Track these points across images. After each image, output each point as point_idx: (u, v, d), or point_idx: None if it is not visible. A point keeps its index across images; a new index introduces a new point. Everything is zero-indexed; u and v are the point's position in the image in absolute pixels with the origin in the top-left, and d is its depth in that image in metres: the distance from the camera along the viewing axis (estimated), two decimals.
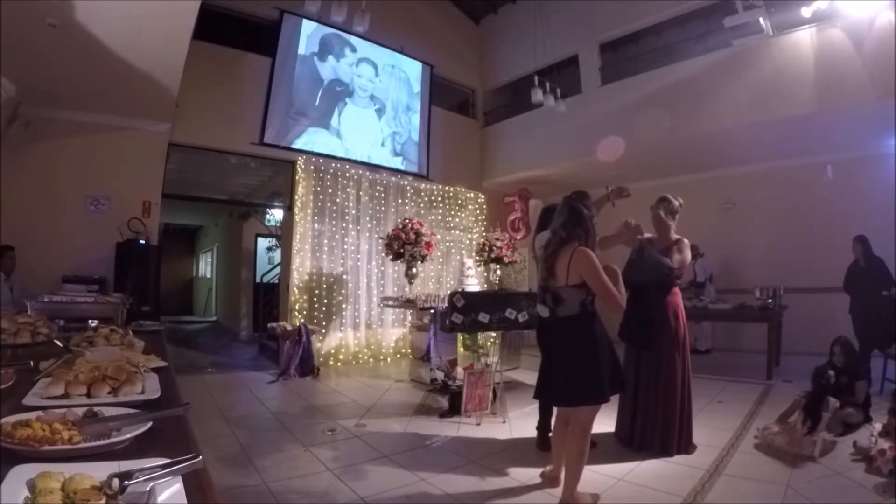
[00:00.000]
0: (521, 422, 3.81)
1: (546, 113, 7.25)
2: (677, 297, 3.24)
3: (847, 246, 5.40)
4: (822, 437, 3.08)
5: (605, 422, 3.19)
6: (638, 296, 3.21)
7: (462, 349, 5.64)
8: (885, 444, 2.75)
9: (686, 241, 3.25)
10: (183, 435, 0.99)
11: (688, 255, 3.23)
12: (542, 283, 2.59)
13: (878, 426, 3.04)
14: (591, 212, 2.58)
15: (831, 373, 3.42)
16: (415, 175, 8.11)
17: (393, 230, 6.08)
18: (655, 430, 3.11)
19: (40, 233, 5.28)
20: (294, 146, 6.88)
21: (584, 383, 2.42)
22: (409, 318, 6.58)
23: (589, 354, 2.41)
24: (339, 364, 6.66)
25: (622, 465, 2.97)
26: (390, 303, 6.51)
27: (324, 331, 6.59)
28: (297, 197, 6.73)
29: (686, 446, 3.12)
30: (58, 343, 1.82)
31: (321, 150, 7.11)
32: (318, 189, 6.88)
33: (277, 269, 8.66)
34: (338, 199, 7.03)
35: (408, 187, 7.87)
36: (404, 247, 5.78)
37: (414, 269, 5.98)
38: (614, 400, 2.56)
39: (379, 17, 6.02)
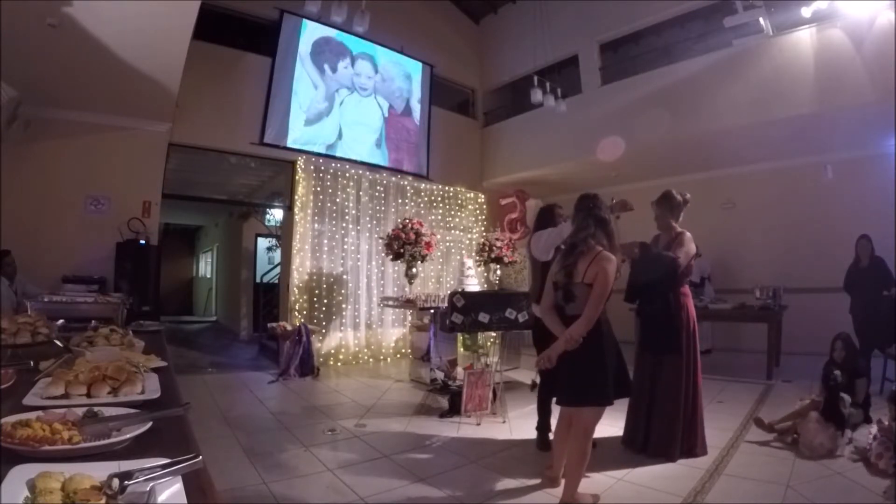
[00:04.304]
0: (521, 422, 3.81)
1: (546, 113, 7.25)
2: (688, 299, 3.23)
3: (847, 246, 5.40)
4: (848, 434, 3.13)
5: (606, 422, 3.18)
6: (649, 297, 3.18)
7: (462, 349, 5.64)
8: (879, 447, 2.76)
9: (688, 234, 3.20)
10: (183, 435, 0.99)
11: (691, 247, 3.16)
12: (552, 279, 2.56)
13: (874, 427, 3.04)
14: (608, 215, 2.57)
15: (837, 372, 3.43)
16: (415, 175, 8.11)
17: (393, 230, 6.08)
18: (665, 435, 3.06)
19: (40, 233, 5.28)
20: (294, 146, 6.88)
21: (589, 384, 2.41)
22: (409, 318, 6.58)
23: (595, 355, 2.39)
24: (339, 364, 6.65)
25: (622, 465, 2.97)
26: (390, 303, 6.51)
27: (324, 331, 6.58)
28: (297, 197, 6.73)
29: (696, 449, 3.08)
30: (58, 343, 1.82)
31: (321, 150, 7.11)
32: (318, 189, 6.88)
33: (277, 269, 8.66)
34: (338, 199, 7.03)
35: (408, 187, 7.87)
36: (404, 247, 5.78)
37: (414, 269, 5.98)
38: (618, 403, 2.55)
39: (379, 17, 6.02)
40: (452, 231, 8.27)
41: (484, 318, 4.23)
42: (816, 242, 6.48)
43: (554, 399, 2.99)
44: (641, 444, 3.17)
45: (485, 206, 8.79)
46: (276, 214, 9.34)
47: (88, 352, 1.57)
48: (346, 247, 7.03)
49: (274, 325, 6.36)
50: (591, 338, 2.38)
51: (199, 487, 0.74)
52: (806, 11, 5.36)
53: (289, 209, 6.99)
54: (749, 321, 5.95)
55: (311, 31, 7.12)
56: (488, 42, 9.47)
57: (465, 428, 3.75)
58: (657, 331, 3.18)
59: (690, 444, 3.08)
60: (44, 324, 2.06)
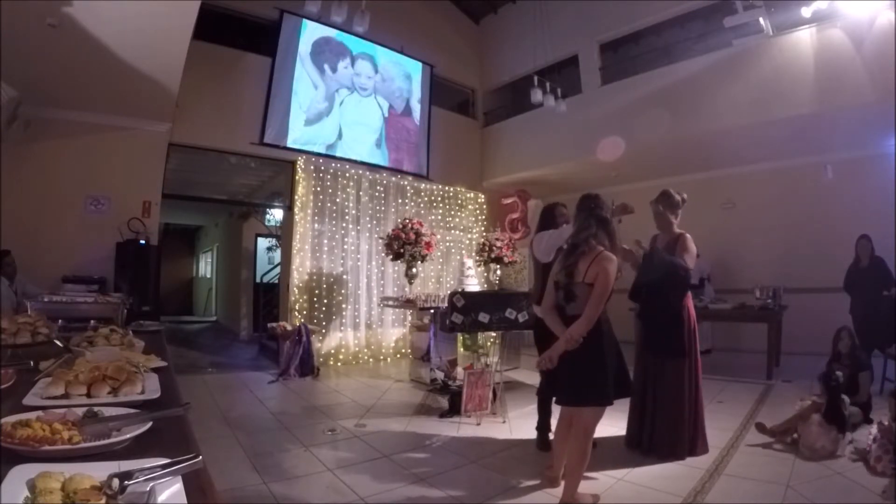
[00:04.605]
0: (521, 422, 3.81)
1: (546, 113, 7.25)
2: (688, 299, 3.23)
3: (847, 246, 5.40)
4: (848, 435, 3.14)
5: (608, 423, 3.18)
6: (654, 301, 3.16)
7: (462, 349, 5.64)
8: (879, 450, 2.76)
9: (688, 235, 3.21)
10: (183, 435, 0.99)
11: (693, 249, 3.17)
12: (554, 279, 2.56)
13: (874, 428, 3.03)
14: (610, 215, 2.57)
15: (838, 374, 3.43)
16: (415, 175, 8.11)
17: (393, 230, 6.08)
18: (671, 436, 3.06)
19: (40, 233, 5.28)
20: (294, 146, 6.88)
21: (589, 384, 2.41)
22: (409, 318, 6.58)
23: (596, 355, 2.39)
24: (339, 364, 6.65)
25: (623, 465, 2.97)
26: (390, 303, 6.51)
27: (324, 331, 6.58)
28: (297, 197, 6.73)
29: (697, 448, 3.09)
30: (58, 343, 1.82)
31: (321, 150, 7.11)
32: (318, 189, 6.89)
33: (277, 269, 8.66)
34: (338, 199, 7.03)
35: (408, 187, 7.87)
36: (404, 247, 5.78)
37: (414, 269, 5.98)
38: (618, 403, 2.55)
39: (379, 17, 6.02)
40: (452, 231, 8.27)
41: (484, 318, 4.23)
42: (816, 242, 6.48)
43: (554, 399, 2.99)
44: (647, 446, 3.16)
45: (485, 206, 8.79)
46: (276, 214, 9.34)
47: (88, 352, 1.57)
48: (346, 247, 7.03)
49: (274, 325, 6.36)
50: (592, 337, 2.38)
51: (199, 487, 0.74)
52: (806, 11, 5.36)
53: (289, 209, 6.98)
54: (749, 321, 5.95)
55: (311, 31, 7.12)
56: (488, 42, 9.47)
57: (465, 428, 3.75)
58: (658, 331, 3.17)
59: (692, 444, 3.08)
60: (44, 324, 2.06)
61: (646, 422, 3.19)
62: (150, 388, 1.26)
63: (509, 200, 8.89)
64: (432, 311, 5.27)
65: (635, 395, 3.04)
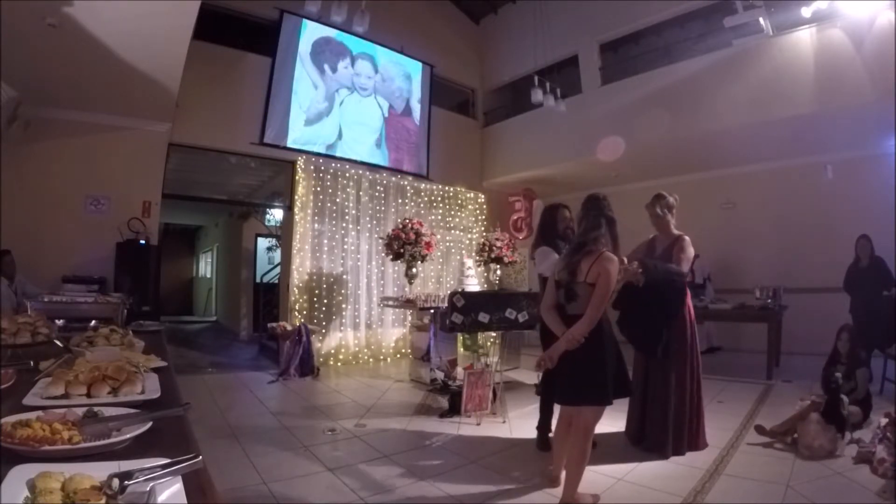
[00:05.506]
0: (521, 422, 3.81)
1: (546, 113, 7.25)
2: (687, 297, 3.23)
3: (847, 246, 5.40)
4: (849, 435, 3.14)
5: (607, 422, 3.17)
6: (650, 305, 3.13)
7: (462, 349, 5.64)
8: (883, 451, 2.75)
9: (686, 237, 3.21)
10: (183, 435, 0.99)
11: (690, 251, 3.17)
12: (556, 277, 2.57)
13: (883, 420, 3.02)
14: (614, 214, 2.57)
15: (838, 375, 3.43)
16: (415, 175, 8.11)
17: (393, 230, 6.07)
18: (673, 433, 3.07)
19: (41, 233, 5.29)
20: (294, 146, 6.88)
21: (588, 384, 2.41)
22: (409, 318, 6.58)
23: (595, 355, 2.40)
24: (339, 364, 6.65)
25: (622, 464, 2.97)
26: (390, 303, 6.51)
27: (324, 331, 6.58)
28: (297, 197, 6.73)
29: (697, 443, 3.11)
30: (58, 343, 1.82)
31: (321, 150, 7.11)
32: (318, 189, 6.88)
33: (277, 269, 8.66)
34: (338, 199, 7.03)
35: (408, 187, 7.87)
36: (404, 247, 5.78)
37: (414, 269, 5.98)
38: (618, 402, 2.55)
39: (379, 17, 6.03)
40: (452, 231, 8.27)
41: (484, 318, 4.23)
42: (816, 242, 6.48)
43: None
44: (647, 444, 3.16)
45: (485, 206, 8.78)
46: (276, 214, 9.34)
47: (88, 352, 1.57)
48: (346, 247, 7.03)
49: (274, 325, 6.36)
50: (592, 337, 2.38)
51: (199, 487, 0.74)
52: (806, 11, 5.36)
53: (289, 209, 6.98)
54: (749, 321, 5.95)
55: (311, 31, 7.12)
56: (488, 42, 9.48)
57: (465, 428, 3.75)
58: (652, 334, 3.15)
59: (691, 442, 3.11)
60: (44, 324, 2.06)
61: (645, 420, 3.20)
62: (150, 388, 1.26)
63: (515, 199, 8.90)
64: (432, 311, 5.27)
65: (635, 394, 3.04)
